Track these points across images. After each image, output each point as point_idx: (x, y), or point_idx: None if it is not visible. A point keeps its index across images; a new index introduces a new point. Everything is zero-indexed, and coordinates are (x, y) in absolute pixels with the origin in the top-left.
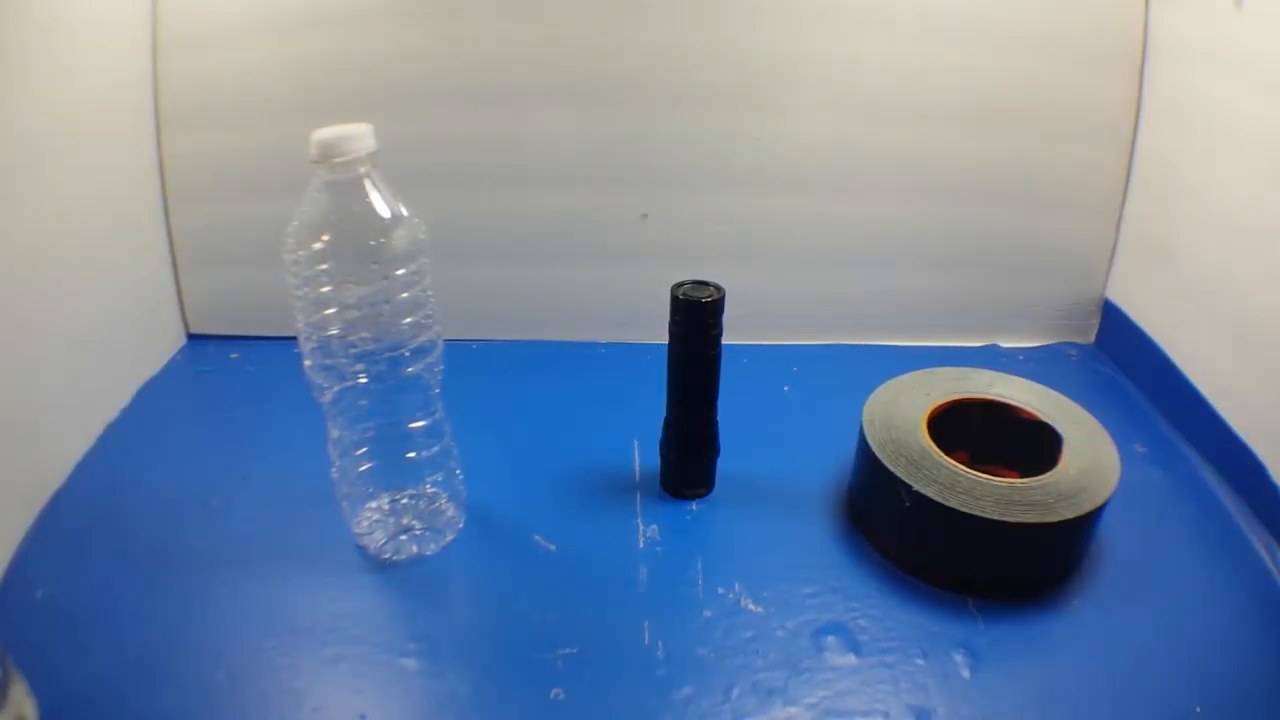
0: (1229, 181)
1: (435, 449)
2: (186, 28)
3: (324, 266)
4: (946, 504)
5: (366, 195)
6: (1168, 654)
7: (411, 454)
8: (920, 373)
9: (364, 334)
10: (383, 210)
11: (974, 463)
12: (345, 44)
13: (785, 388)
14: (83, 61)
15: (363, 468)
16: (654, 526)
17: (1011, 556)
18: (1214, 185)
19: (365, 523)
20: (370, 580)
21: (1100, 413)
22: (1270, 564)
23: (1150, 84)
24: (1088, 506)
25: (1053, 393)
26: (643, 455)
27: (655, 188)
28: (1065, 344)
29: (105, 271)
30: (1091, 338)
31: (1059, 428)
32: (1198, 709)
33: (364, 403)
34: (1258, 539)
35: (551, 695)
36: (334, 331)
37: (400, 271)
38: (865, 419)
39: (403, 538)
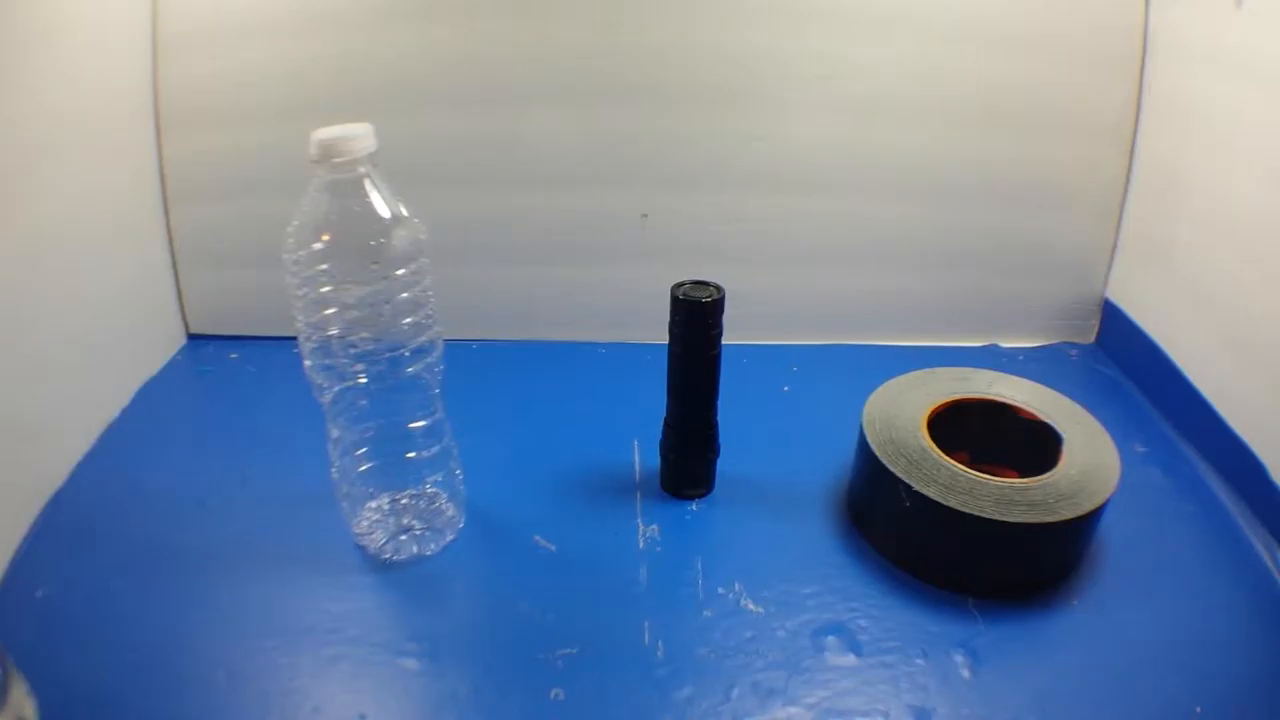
0: (1229, 181)
1: (435, 449)
2: (186, 28)
3: (324, 266)
4: (946, 504)
5: (366, 195)
6: (1168, 654)
7: (411, 454)
8: (920, 373)
9: (364, 334)
10: (383, 210)
11: (974, 463)
12: (345, 44)
13: (785, 388)
14: (83, 62)
15: (363, 468)
16: (654, 526)
17: (1011, 556)
18: (1214, 185)
19: (365, 523)
20: (370, 580)
21: (1100, 413)
22: (1270, 564)
23: (1150, 84)
24: (1088, 506)
25: (1053, 393)
26: (643, 455)
27: (655, 188)
28: (1065, 344)
29: (105, 271)
30: (1091, 338)
31: (1059, 428)
32: (1198, 709)
33: (364, 403)
34: (1258, 539)
35: (551, 695)
36: (334, 331)
37: (400, 271)
38: (865, 419)
39: (403, 538)
